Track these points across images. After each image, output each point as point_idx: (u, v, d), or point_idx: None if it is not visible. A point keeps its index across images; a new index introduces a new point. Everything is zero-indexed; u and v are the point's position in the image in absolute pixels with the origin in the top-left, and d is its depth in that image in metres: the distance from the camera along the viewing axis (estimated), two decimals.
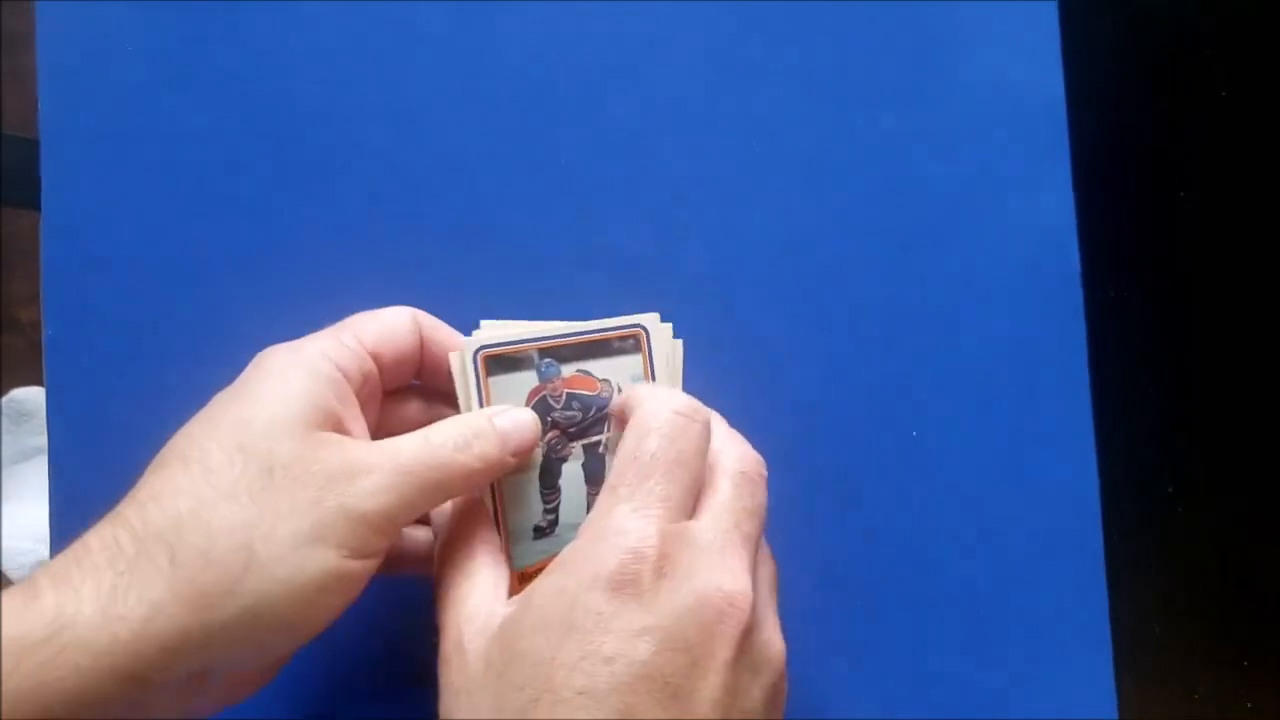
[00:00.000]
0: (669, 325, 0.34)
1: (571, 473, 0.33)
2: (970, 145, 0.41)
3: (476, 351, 0.32)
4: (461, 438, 0.30)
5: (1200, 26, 0.42)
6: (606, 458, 0.33)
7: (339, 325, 0.33)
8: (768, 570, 0.31)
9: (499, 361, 0.33)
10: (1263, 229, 0.42)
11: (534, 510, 0.33)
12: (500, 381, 0.33)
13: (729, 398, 0.40)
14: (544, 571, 0.29)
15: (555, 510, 0.33)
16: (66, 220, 0.39)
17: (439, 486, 0.30)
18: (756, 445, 0.36)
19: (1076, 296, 0.41)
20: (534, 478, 0.33)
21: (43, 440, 0.98)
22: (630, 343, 0.33)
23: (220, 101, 0.40)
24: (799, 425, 0.40)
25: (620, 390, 0.33)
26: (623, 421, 0.32)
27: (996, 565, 0.40)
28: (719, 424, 0.33)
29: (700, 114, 0.41)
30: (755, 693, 0.28)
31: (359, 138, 0.40)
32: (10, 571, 0.99)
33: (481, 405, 0.32)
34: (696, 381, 0.39)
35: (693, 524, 0.29)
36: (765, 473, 0.32)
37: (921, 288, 0.41)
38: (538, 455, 0.33)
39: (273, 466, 0.28)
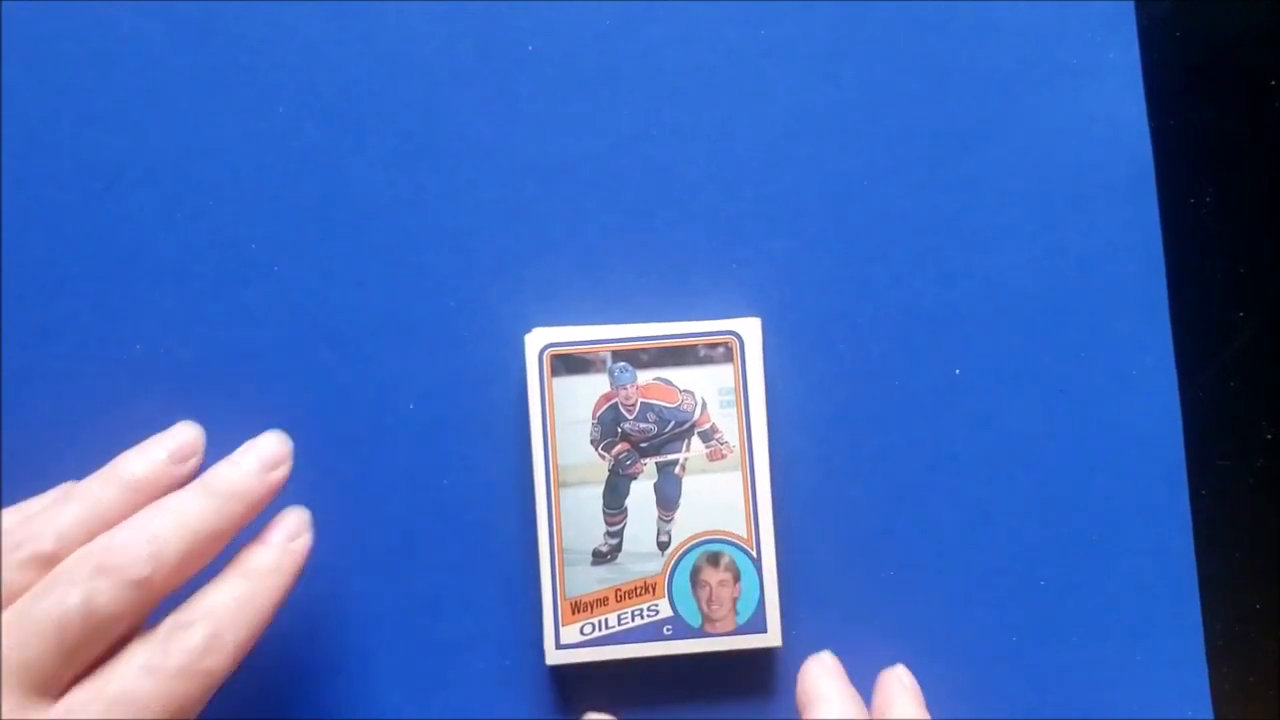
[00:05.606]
0: (757, 322, 0.31)
1: (641, 493, 0.30)
2: (1028, 32, 0.35)
3: (543, 350, 0.30)
4: None
5: None
6: (683, 480, 0.30)
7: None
8: None
9: (566, 362, 0.30)
10: None
11: (595, 531, 0.30)
12: (566, 384, 0.30)
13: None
14: None
15: (619, 534, 0.30)
16: None
17: None
18: (772, 375, 0.30)
19: (1151, 205, 0.35)
20: (598, 494, 0.30)
21: None
22: (720, 351, 0.30)
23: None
24: (830, 359, 0.33)
25: (704, 406, 0.30)
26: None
27: (1058, 527, 0.33)
28: None
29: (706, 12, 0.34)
30: None
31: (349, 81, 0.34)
32: None
33: (544, 408, 0.30)
34: (717, 307, 0.33)
35: None
36: None
37: (968, 197, 0.34)
38: (604, 469, 0.30)
39: None
